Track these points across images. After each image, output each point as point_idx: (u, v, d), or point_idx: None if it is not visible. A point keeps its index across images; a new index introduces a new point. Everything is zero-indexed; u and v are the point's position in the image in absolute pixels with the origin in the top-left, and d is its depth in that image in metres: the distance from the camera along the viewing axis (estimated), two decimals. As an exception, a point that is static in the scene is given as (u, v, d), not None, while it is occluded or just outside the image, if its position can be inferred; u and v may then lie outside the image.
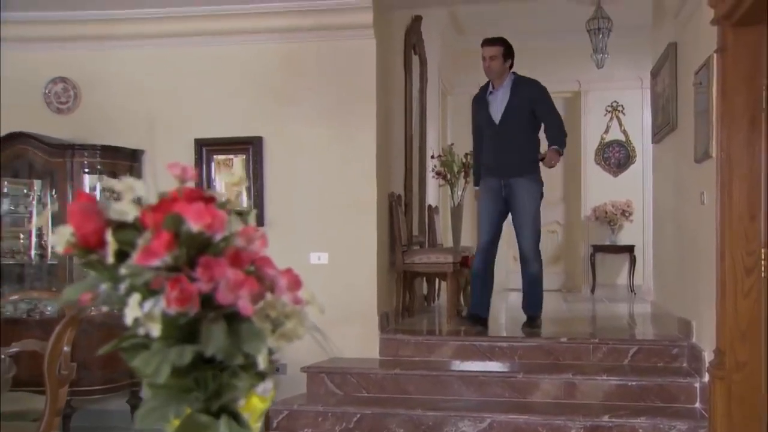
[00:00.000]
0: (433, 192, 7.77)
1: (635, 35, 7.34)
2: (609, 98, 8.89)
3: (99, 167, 5.14)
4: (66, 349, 3.43)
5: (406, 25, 6.28)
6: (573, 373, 4.48)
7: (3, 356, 3.47)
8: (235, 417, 0.80)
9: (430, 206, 7.28)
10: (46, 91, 5.33)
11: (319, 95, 5.11)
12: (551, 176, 9.03)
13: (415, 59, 6.54)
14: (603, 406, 4.24)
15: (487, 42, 5.17)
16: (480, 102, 5.28)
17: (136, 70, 5.29)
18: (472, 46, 8.26)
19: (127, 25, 5.23)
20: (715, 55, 3.77)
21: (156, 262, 0.71)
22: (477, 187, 5.43)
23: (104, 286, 0.76)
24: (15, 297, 4.29)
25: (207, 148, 5.22)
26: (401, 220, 5.68)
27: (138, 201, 0.76)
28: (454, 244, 6.66)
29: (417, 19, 6.46)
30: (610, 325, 6.35)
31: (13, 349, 3.77)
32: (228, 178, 0.96)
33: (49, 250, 5.11)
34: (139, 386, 5.22)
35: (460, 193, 6.61)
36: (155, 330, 0.72)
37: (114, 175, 5.26)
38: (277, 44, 5.17)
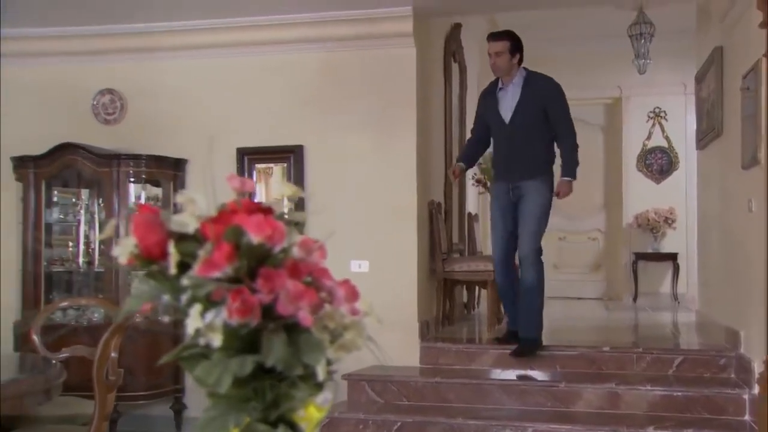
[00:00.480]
0: (473, 199, 7.74)
1: (679, 39, 7.23)
2: (651, 104, 8.76)
3: (144, 176, 5.24)
4: (113, 355, 3.49)
5: (445, 32, 6.28)
6: (616, 382, 4.42)
7: (54, 361, 3.55)
8: (293, 426, 0.81)
9: (469, 214, 7.25)
10: (95, 103, 5.45)
11: (359, 103, 5.14)
12: (591, 183, 8.99)
13: (455, 67, 6.54)
14: (648, 417, 4.17)
15: (492, 36, 4.82)
16: (489, 97, 4.92)
17: (180, 80, 5.38)
18: (512, 52, 8.25)
19: (171, 37, 5.33)
20: (763, 58, 3.70)
21: (217, 274, 0.73)
22: (461, 163, 4.99)
23: (165, 297, 0.78)
24: (64, 303, 4.38)
25: (249, 157, 5.29)
26: (441, 228, 5.68)
27: (189, 210, 0.78)
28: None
29: (456, 27, 6.46)
30: (653, 334, 6.25)
31: (63, 354, 3.86)
32: (284, 190, 0.97)
33: (96, 258, 5.22)
34: (182, 392, 5.29)
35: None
36: (216, 340, 0.73)
37: (158, 184, 5.36)
38: (318, 53, 5.22)
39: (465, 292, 6.76)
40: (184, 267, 0.77)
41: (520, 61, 4.78)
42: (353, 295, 0.77)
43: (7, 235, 5.36)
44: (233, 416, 0.77)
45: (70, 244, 5.35)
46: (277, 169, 5.39)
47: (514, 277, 4.84)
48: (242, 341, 0.75)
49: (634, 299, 8.48)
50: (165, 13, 5.10)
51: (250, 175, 5.29)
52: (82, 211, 5.30)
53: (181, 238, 0.77)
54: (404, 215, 5.07)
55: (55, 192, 5.29)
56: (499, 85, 4.82)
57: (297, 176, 5.19)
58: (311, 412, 0.83)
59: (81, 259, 5.29)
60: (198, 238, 0.78)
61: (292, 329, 0.74)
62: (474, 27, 7.04)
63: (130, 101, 5.46)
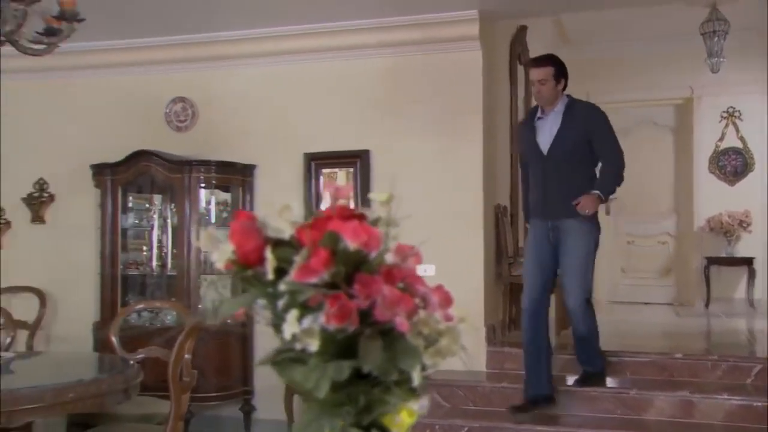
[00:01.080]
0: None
1: (754, 37, 7.00)
2: (724, 104, 8.49)
3: (214, 182, 5.36)
4: (187, 356, 3.59)
5: (511, 35, 6.23)
6: (690, 390, 4.31)
7: (131, 362, 3.67)
8: None
9: (535, 217, 7.16)
10: (167, 111, 5.61)
11: (425, 108, 5.14)
12: (660, 186, 8.77)
13: (520, 69, 6.48)
14: (725, 428, 4.04)
15: (535, 63, 4.42)
16: (526, 127, 4.49)
17: (248, 88, 5.49)
18: (578, 55, 8.12)
19: (239, 46, 5.44)
20: None
21: (314, 279, 0.74)
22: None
23: (261, 302, 0.80)
24: (140, 306, 4.52)
25: (316, 162, 5.35)
26: (507, 232, 5.63)
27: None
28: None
29: (522, 30, 6.40)
30: (728, 341, 6.06)
31: (139, 355, 3.98)
32: (378, 196, 0.98)
33: (169, 262, 5.36)
34: (251, 394, 5.38)
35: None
36: (313, 345, 0.75)
37: (227, 189, 5.47)
38: (383, 59, 5.25)
39: (531, 297, 6.67)
40: (280, 272, 0.78)
41: (565, 86, 4.35)
42: (447, 301, 0.78)
43: (86, 240, 5.56)
44: (327, 421, 0.78)
45: (144, 248, 5.52)
46: (342, 174, 5.43)
47: (544, 332, 4.32)
48: (338, 346, 0.76)
49: (707, 305, 8.23)
50: (233, 22, 5.21)
51: (317, 180, 5.36)
52: (156, 216, 5.46)
53: (277, 244, 0.79)
54: (470, 219, 5.05)
55: (130, 198, 5.47)
56: (538, 113, 4.39)
57: (363, 181, 5.22)
58: (403, 418, 0.84)
59: (154, 263, 5.45)
60: (294, 244, 0.79)
61: (388, 335, 0.75)
62: (539, 29, 6.96)
63: (201, 109, 5.60)
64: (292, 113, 5.42)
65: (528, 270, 4.39)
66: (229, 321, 5.42)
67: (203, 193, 5.34)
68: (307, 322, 0.74)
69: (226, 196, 5.48)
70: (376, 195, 0.83)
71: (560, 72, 4.29)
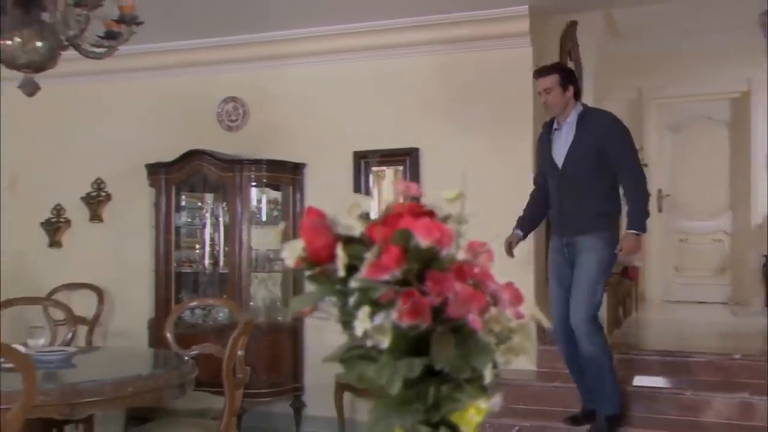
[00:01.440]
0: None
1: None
2: (783, 97, 8.23)
3: (264, 180, 5.42)
4: (240, 353, 3.64)
5: (561, 30, 6.15)
6: (750, 392, 4.19)
7: (186, 358, 3.73)
8: (454, 429, 0.82)
9: (586, 215, 7.06)
10: (219, 110, 5.70)
11: (475, 105, 5.11)
12: (715, 182, 8.56)
13: (571, 65, 6.39)
14: (787, 430, 3.93)
15: (538, 73, 4.21)
16: (543, 141, 4.30)
17: (298, 86, 5.54)
18: (629, 50, 7.98)
19: (290, 45, 5.49)
20: None
21: (385, 276, 0.74)
22: (518, 231, 4.31)
23: (331, 299, 0.80)
24: (194, 303, 4.59)
25: (365, 161, 5.37)
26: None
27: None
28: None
29: (572, 25, 6.31)
30: (789, 342, 5.87)
31: (193, 351, 4.05)
32: (447, 193, 0.97)
33: (221, 259, 5.44)
34: (301, 391, 5.43)
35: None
36: (384, 342, 0.75)
37: (277, 188, 5.53)
38: (433, 56, 5.24)
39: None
40: (350, 269, 0.79)
41: (577, 95, 4.15)
42: (518, 298, 0.77)
43: (141, 238, 5.68)
44: (397, 418, 0.79)
45: (197, 246, 5.61)
46: (389, 172, 5.44)
47: (577, 350, 4.11)
48: (408, 343, 0.76)
49: (767, 303, 8.00)
50: (285, 22, 5.26)
51: (366, 179, 5.37)
52: (208, 215, 5.54)
53: (347, 241, 0.79)
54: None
55: (183, 196, 5.56)
56: (555, 125, 4.20)
57: (413, 179, 5.22)
58: (472, 415, 0.84)
59: (206, 261, 5.53)
60: (364, 242, 0.79)
61: (459, 332, 0.75)
62: (590, 23, 6.85)
63: (252, 108, 5.67)
64: (342, 111, 5.44)
65: (551, 290, 4.26)
66: (279, 318, 5.49)
67: (254, 192, 5.41)
68: (378, 319, 0.74)
69: (276, 195, 5.53)
70: (446, 192, 0.83)
71: (566, 79, 4.12)
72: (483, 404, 0.82)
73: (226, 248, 5.38)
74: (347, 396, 4.99)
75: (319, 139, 5.46)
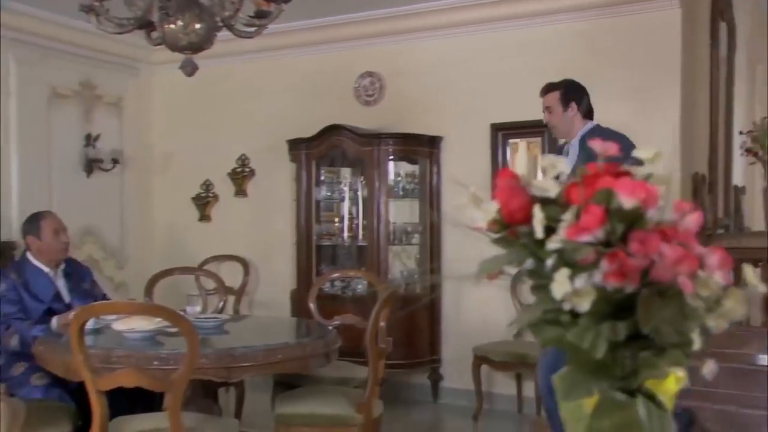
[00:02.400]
0: (740, 171, 7.08)
1: None
2: None
3: (402, 154, 5.46)
4: (382, 324, 3.70)
5: (712, -11, 5.78)
6: None
7: (330, 327, 3.85)
8: (651, 398, 0.79)
9: (736, 186, 6.65)
10: (356, 86, 5.78)
11: (617, 73, 4.90)
12: None
13: (722, 27, 6.00)
14: None
15: (541, 91, 3.86)
16: None
17: (434, 60, 5.51)
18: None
19: (426, 18, 5.47)
20: None
21: (586, 238, 0.72)
22: None
23: (526, 262, 0.79)
24: (336, 275, 4.72)
25: (502, 133, 5.29)
26: (706, 202, 5.27)
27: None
28: (767, 228, 6.02)
29: (724, -17, 5.91)
30: None
31: (335, 322, 4.17)
32: (645, 153, 0.93)
33: (360, 232, 5.55)
34: (438, 363, 5.47)
35: (775, 171, 5.95)
36: (583, 305, 0.73)
37: (414, 161, 5.55)
38: (572, 23, 5.06)
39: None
40: (545, 231, 0.77)
41: (587, 113, 3.73)
42: (726, 262, 0.73)
43: (283, 212, 5.90)
44: (594, 383, 0.77)
45: (336, 219, 5.75)
46: (522, 144, 5.34)
47: None
48: (609, 307, 0.74)
49: None
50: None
51: (504, 151, 5.30)
52: (346, 189, 5.66)
53: (543, 202, 0.78)
54: (667, 188, 4.76)
55: (323, 171, 5.71)
56: (567, 144, 3.78)
57: (551, 151, 5.09)
58: (668, 384, 0.80)
59: (345, 234, 5.66)
60: (560, 203, 0.78)
61: (664, 295, 0.72)
62: (744, -19, 6.40)
63: (389, 82, 5.71)
64: (479, 83, 5.37)
65: None
66: (417, 290, 5.55)
67: (391, 166, 5.46)
68: (580, 281, 0.72)
69: (413, 168, 5.56)
70: (642, 151, 0.79)
71: (570, 95, 3.70)
72: (681, 373, 0.78)
73: (365, 221, 5.48)
74: (484, 369, 4.98)
75: (456, 111, 5.43)
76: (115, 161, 6.10)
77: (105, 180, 6.15)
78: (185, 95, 6.25)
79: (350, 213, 5.65)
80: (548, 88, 3.81)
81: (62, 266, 3.89)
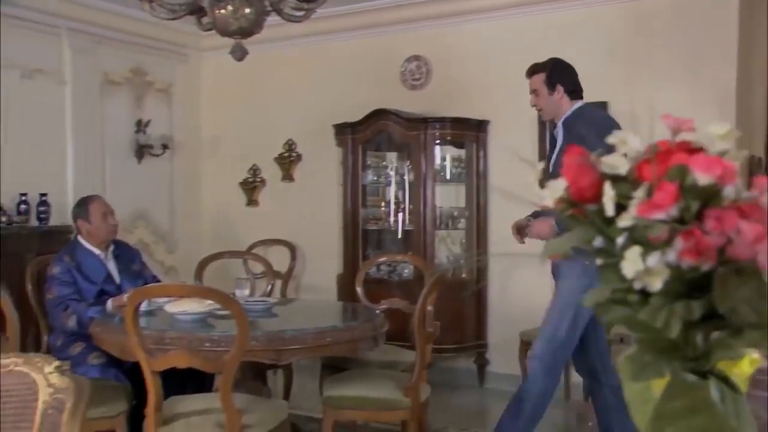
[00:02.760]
0: (797, 155, 6.87)
1: None
2: None
3: (448, 138, 5.43)
4: (430, 308, 3.70)
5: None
6: None
7: (377, 311, 3.86)
8: (724, 380, 0.77)
9: (793, 171, 6.46)
10: (402, 70, 5.76)
11: (669, 53, 4.80)
12: None
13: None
14: None
15: (526, 73, 3.72)
16: (551, 141, 3.86)
17: (481, 42, 5.46)
18: None
19: (472, 1, 5.42)
20: None
21: (659, 215, 0.70)
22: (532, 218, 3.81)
23: (596, 240, 0.78)
24: (383, 259, 4.73)
25: (550, 116, 5.21)
26: (763, 187, 5.12)
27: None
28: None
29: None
30: None
31: (382, 306, 4.18)
32: (718, 128, 0.91)
33: (407, 217, 5.54)
34: (485, 348, 5.46)
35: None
36: (655, 284, 0.72)
37: (461, 145, 5.52)
38: (623, 3, 4.96)
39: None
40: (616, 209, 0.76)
41: (574, 94, 3.60)
42: (808, 242, 0.71)
43: (329, 197, 5.92)
44: (664, 363, 0.75)
45: (382, 204, 5.75)
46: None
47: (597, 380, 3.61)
48: (683, 285, 0.72)
49: None
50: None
51: (551, 135, 5.22)
52: (392, 173, 5.66)
53: (612, 180, 0.76)
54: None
55: (369, 155, 5.71)
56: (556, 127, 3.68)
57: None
58: (742, 366, 0.78)
59: (391, 218, 5.67)
60: (630, 180, 0.76)
61: (742, 274, 0.70)
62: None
63: (435, 66, 5.67)
64: (526, 66, 5.29)
65: None
66: (464, 275, 5.53)
67: (438, 150, 5.44)
68: (652, 259, 0.71)
69: (460, 153, 5.53)
70: (715, 127, 0.77)
71: (555, 77, 3.58)
72: (757, 354, 0.76)
73: (411, 206, 5.47)
74: (532, 354, 4.95)
75: (503, 95, 5.37)
76: (164, 147, 6.20)
77: (155, 165, 6.25)
78: (233, 81, 6.31)
79: (396, 197, 5.65)
80: (533, 70, 3.68)
81: (111, 248, 3.98)
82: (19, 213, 5.15)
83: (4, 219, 5.00)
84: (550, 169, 3.57)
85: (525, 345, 4.91)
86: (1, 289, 3.41)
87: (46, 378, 1.47)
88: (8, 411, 1.48)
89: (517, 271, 5.21)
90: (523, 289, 5.24)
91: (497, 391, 5.35)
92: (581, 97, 3.65)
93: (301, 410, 4.60)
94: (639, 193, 0.73)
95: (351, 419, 3.73)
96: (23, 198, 5.19)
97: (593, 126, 3.33)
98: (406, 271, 5.47)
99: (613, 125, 3.41)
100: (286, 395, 4.43)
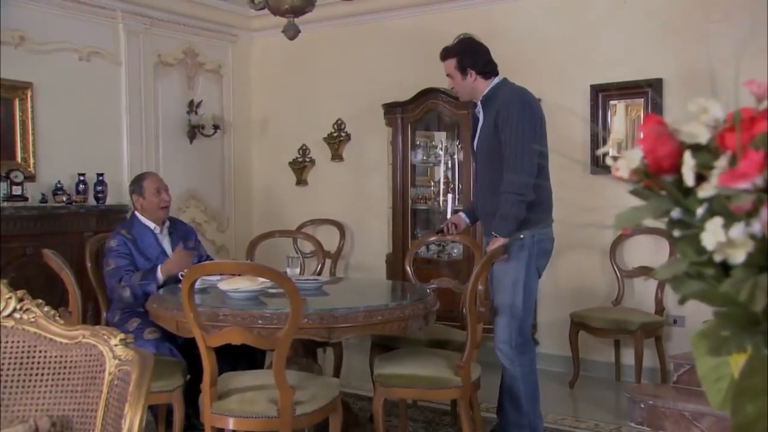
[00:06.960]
0: None
1: None
2: None
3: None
4: (481, 288, 3.68)
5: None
6: None
7: (428, 290, 3.85)
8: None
9: None
10: (453, 48, 5.70)
11: (730, 28, 4.64)
12: None
13: None
14: None
15: (440, 56, 3.77)
16: (472, 119, 3.85)
17: (530, 19, 5.38)
18: None
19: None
20: None
21: (744, 185, 0.68)
22: (461, 214, 4.08)
23: (674, 211, 0.76)
24: (433, 239, 4.71)
25: (603, 94, 5.12)
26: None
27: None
28: None
29: None
30: None
31: (432, 285, 4.17)
32: None
33: (457, 197, 5.51)
34: (535, 328, 5.41)
35: None
36: (738, 257, 0.69)
37: (511, 124, 5.44)
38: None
39: None
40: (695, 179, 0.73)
41: (488, 75, 3.63)
42: None
43: (378, 176, 5.93)
44: (748, 338, 0.73)
45: (431, 183, 5.73)
46: (621, 106, 5.14)
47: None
48: (766, 258, 0.70)
49: None
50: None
51: (605, 113, 5.13)
52: (441, 153, 5.62)
53: (692, 149, 0.74)
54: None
55: (418, 135, 5.68)
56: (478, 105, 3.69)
57: (654, 112, 4.89)
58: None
59: (440, 198, 5.64)
60: (711, 149, 0.74)
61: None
62: None
63: (485, 43, 5.58)
64: (578, 43, 5.21)
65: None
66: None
67: (487, 129, 5.37)
68: (736, 230, 0.68)
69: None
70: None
71: (464, 61, 3.62)
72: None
73: (460, 185, 5.44)
74: (582, 335, 4.90)
75: (554, 72, 5.29)
76: (216, 127, 6.27)
77: (207, 145, 6.34)
78: (282, 61, 6.33)
79: (446, 177, 5.62)
80: (444, 55, 3.72)
81: (167, 225, 4.06)
82: (77, 192, 5.29)
83: (64, 198, 5.14)
84: (474, 148, 3.72)
85: (576, 326, 4.87)
86: (64, 266, 3.50)
87: (111, 350, 1.50)
88: (76, 382, 1.52)
89: (567, 251, 5.14)
90: (574, 269, 5.18)
91: (547, 372, 5.31)
92: (496, 73, 3.68)
93: (351, 388, 4.64)
94: (721, 162, 0.71)
95: (401, 397, 3.75)
96: (81, 178, 5.32)
97: (516, 98, 3.50)
98: (456, 250, 5.45)
99: (530, 99, 3.59)
100: (336, 373, 4.47)
